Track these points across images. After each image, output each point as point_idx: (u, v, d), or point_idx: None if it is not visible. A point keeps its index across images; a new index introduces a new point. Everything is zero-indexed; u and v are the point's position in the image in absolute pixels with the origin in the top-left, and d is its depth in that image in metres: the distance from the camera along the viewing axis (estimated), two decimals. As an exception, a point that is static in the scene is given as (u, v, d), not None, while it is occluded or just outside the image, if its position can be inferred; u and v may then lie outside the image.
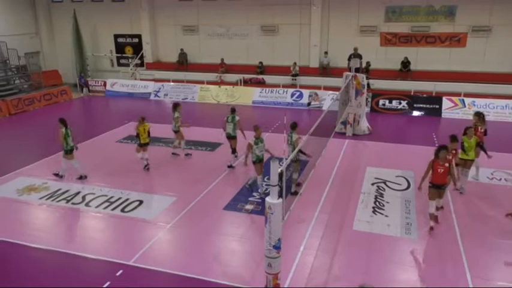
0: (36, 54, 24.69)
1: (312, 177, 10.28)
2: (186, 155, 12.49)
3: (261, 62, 21.97)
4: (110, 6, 24.00)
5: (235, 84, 21.23)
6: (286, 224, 7.49)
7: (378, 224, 8.67)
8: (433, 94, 18.35)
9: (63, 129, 10.79)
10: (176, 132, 12.47)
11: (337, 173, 11.31)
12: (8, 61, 21.78)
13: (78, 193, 10.13)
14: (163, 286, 6.86)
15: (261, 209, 9.10)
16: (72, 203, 9.67)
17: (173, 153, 12.64)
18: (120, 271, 7.14)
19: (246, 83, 21.39)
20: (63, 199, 9.87)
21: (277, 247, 6.15)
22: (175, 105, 12.58)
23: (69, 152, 10.82)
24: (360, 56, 17.09)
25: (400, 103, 18.11)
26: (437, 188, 8.32)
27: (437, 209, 8.59)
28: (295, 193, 9.68)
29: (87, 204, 9.60)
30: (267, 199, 6.09)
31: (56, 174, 11.03)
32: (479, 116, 10.43)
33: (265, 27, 21.95)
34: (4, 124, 17.25)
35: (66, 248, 7.87)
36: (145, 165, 11.52)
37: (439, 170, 8.12)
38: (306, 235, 8.23)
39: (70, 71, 24.38)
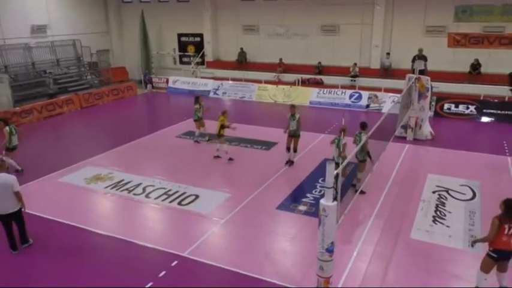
0: (106, 52, 26.23)
1: (368, 181, 10.00)
2: (230, 159, 12.17)
3: (319, 62, 21.70)
4: (175, 6, 24.89)
5: (292, 84, 21.15)
6: (340, 227, 7.33)
7: (439, 234, 8.23)
8: (506, 99, 17.06)
9: (7, 128, 11.16)
10: (196, 121, 13.60)
11: (395, 179, 10.88)
12: (81, 58, 23.32)
13: (139, 184, 10.62)
14: (215, 280, 7.01)
15: (314, 210, 9.00)
16: (134, 194, 10.16)
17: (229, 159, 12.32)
18: (175, 262, 7.39)
19: (304, 83, 21.22)
20: (126, 189, 10.40)
21: (330, 250, 6.04)
22: (197, 98, 13.69)
23: (9, 150, 11.23)
24: (424, 58, 16.31)
25: (467, 108, 17.04)
26: (501, 258, 6.13)
27: None
28: (355, 189, 9.58)
29: (147, 196, 10.04)
30: (322, 201, 6.00)
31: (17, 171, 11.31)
32: None
33: (325, 27, 21.63)
34: (76, 116, 18.52)
35: (126, 235, 8.28)
36: (228, 158, 12.04)
37: (507, 231, 5.95)
38: (360, 240, 8.01)
39: (136, 68, 25.61)
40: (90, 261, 7.55)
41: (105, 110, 19.54)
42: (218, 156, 12.24)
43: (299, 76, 21.28)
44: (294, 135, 11.58)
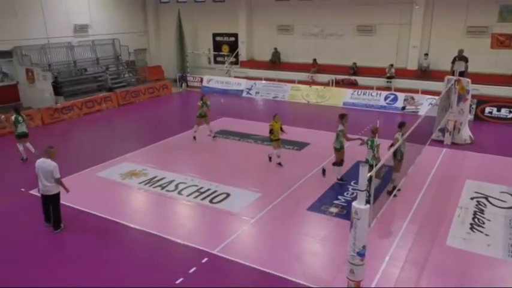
0: (143, 51, 26.91)
1: (403, 185, 9.75)
2: (276, 162, 11.84)
3: (354, 63, 21.35)
4: (211, 6, 25.19)
5: (326, 84, 20.93)
6: (373, 231, 7.19)
7: (476, 242, 7.90)
8: (553, 103, 16.18)
9: (13, 117, 12.19)
10: (198, 117, 13.94)
11: (431, 183, 10.54)
12: (120, 56, 24.05)
13: (172, 181, 10.82)
14: (243, 278, 7.04)
15: (345, 213, 8.87)
16: (167, 190, 10.36)
17: (278, 164, 11.88)
18: (205, 259, 7.48)
19: (338, 83, 20.95)
20: (159, 186, 10.62)
21: (361, 254, 5.93)
22: (202, 97, 14.17)
23: (17, 137, 12.24)
24: (465, 59, 15.71)
25: (510, 112, 16.27)
26: None
27: None
28: (390, 193, 9.35)
29: (179, 193, 10.21)
30: (354, 204, 5.91)
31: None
32: None
33: (361, 27, 21.26)
34: (114, 114, 19.11)
35: (158, 230, 8.46)
36: (278, 163, 11.62)
37: None
38: (393, 245, 7.82)
39: (171, 67, 26.10)
40: (121, 253, 7.76)
41: (141, 108, 20.03)
42: (280, 164, 11.68)
43: (333, 77, 21.03)
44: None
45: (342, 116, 10.53)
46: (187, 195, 10.05)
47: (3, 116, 13.33)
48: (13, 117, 12.27)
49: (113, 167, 11.94)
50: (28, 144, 12.38)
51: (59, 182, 8.27)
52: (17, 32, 19.42)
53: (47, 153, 8.26)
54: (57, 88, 19.32)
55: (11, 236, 8.44)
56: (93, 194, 10.28)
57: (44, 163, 8.19)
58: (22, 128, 12.25)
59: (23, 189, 10.26)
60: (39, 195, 8.71)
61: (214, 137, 14.36)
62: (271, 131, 11.47)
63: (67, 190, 8.38)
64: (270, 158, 11.92)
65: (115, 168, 11.85)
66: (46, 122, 16.96)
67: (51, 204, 8.43)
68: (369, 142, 9.35)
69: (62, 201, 8.64)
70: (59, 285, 6.86)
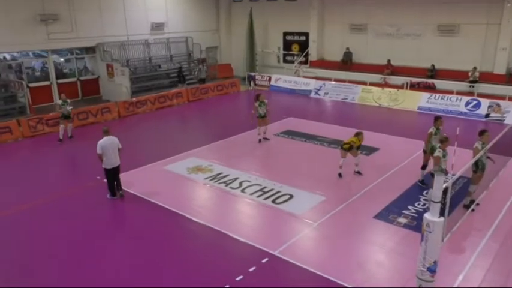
0: (214, 49, 27.75)
1: (483, 199, 9.06)
2: (357, 172, 11.26)
3: (433, 65, 20.23)
4: (282, 4, 25.26)
5: (400, 87, 20.05)
6: (446, 246, 6.75)
7: None
8: None
9: (60, 100, 14.63)
10: (258, 118, 13.86)
11: (516, 199, 9.67)
12: (192, 54, 25.02)
13: (236, 179, 11.02)
14: (303, 282, 6.96)
15: (416, 224, 8.42)
16: (230, 187, 10.57)
17: (357, 172, 11.38)
18: (266, 259, 7.51)
19: (413, 86, 19.99)
20: (223, 182, 10.87)
21: (432, 270, 5.61)
22: (257, 96, 14.05)
23: (61, 118, 14.40)
24: None
25: None
26: None
27: None
28: (467, 206, 8.77)
29: (242, 191, 10.37)
30: (426, 215, 5.61)
31: None
32: None
33: (442, 26, 20.06)
34: (183, 109, 19.90)
35: (221, 227, 8.65)
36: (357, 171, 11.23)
37: None
38: (468, 263, 7.28)
39: (241, 65, 26.62)
40: (183, 245, 8.07)
41: (209, 105, 20.65)
42: (359, 172, 11.20)
43: (408, 79, 20.11)
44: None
45: (436, 119, 10.27)
46: (251, 194, 10.17)
47: (60, 100, 14.68)
48: (59, 101, 14.73)
49: (180, 161, 12.43)
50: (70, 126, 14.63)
51: (120, 151, 9.81)
52: (101, 29, 20.97)
53: (108, 132, 9.72)
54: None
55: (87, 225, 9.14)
56: (160, 186, 10.78)
57: (110, 139, 9.63)
58: (65, 111, 14.28)
59: (98, 177, 11.03)
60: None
61: (265, 139, 14.17)
62: (350, 147, 10.89)
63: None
64: (358, 172, 11.18)
65: (182, 162, 12.33)
66: (122, 114, 18.11)
67: (116, 172, 9.86)
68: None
69: (129, 190, 10.14)
70: (119, 267, 7.29)
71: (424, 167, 10.44)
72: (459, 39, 19.79)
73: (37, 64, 20.66)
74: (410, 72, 20.72)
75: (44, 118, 15.72)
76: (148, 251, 7.90)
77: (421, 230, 5.65)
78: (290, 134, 14.95)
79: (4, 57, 18.81)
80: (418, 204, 9.47)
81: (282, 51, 26.15)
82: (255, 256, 7.61)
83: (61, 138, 14.42)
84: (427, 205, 9.27)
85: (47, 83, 20.25)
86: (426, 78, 20.15)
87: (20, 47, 18.83)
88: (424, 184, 10.31)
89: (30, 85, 19.31)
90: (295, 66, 24.42)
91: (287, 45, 25.98)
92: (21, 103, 17.45)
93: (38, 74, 20.50)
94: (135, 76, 21.50)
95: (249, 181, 10.87)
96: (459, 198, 9.16)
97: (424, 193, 9.93)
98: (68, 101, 14.59)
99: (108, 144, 9.57)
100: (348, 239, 8.19)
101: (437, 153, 8.58)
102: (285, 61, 26.05)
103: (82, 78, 21.66)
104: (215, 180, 11.04)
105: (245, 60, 26.05)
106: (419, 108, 18.49)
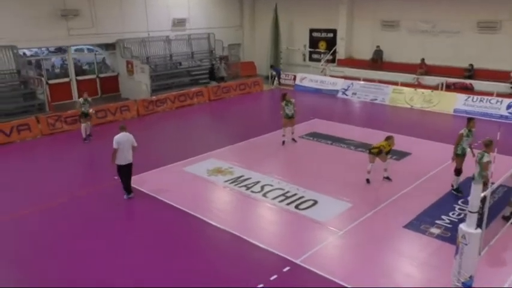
0: (237, 46, 27.85)
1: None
2: (387, 178, 11.07)
3: (471, 65, 19.73)
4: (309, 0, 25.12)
5: (434, 88, 19.64)
6: (483, 260, 6.55)
7: None
8: None
9: (81, 99, 14.89)
10: (284, 118, 13.84)
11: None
12: (213, 51, 25.20)
13: (257, 182, 11.02)
14: (327, 294, 6.90)
15: (450, 235, 8.22)
16: (252, 191, 10.57)
17: (386, 178, 11.09)
18: (287, 268, 7.47)
19: (449, 87, 19.55)
20: (244, 186, 10.89)
21: (467, 285, 5.47)
22: (284, 95, 14.03)
23: (81, 116, 14.80)
24: None
25: None
26: None
27: None
28: (508, 218, 8.50)
29: (264, 195, 10.36)
30: (462, 226, 5.47)
31: None
32: None
33: (482, 23, 19.53)
34: (204, 108, 20.07)
35: (240, 232, 8.66)
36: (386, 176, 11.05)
37: None
38: (507, 280, 7.04)
39: (264, 63, 26.63)
40: (200, 249, 8.11)
41: (231, 104, 20.75)
42: (388, 178, 11.01)
43: (443, 79, 19.68)
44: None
45: (469, 120, 10.09)
46: (273, 198, 10.15)
47: (81, 99, 14.95)
48: (81, 100, 14.90)
49: (200, 162, 12.53)
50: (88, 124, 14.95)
51: (134, 149, 10.11)
52: (121, 25, 21.35)
53: (123, 128, 10.14)
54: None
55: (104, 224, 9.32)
56: (179, 187, 10.89)
57: (125, 136, 10.01)
58: (85, 109, 14.69)
59: (116, 178, 11.22)
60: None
61: (293, 140, 14.17)
62: (379, 151, 10.71)
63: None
64: (387, 178, 11.03)
65: (202, 164, 12.42)
66: (141, 113, 18.40)
67: (129, 170, 10.15)
68: (479, 156, 8.66)
69: (147, 191, 10.49)
70: (131, 267, 7.39)
71: (458, 172, 10.17)
72: (500, 36, 19.22)
73: (57, 61, 21.24)
74: (445, 72, 20.26)
75: (62, 116, 16.15)
76: (163, 255, 7.98)
77: (455, 242, 5.51)
78: (315, 136, 14.86)
79: (24, 53, 19.40)
80: (453, 214, 9.25)
81: (308, 49, 26.02)
82: (277, 264, 7.58)
83: (84, 137, 14.81)
84: (462, 215, 9.04)
85: (66, 79, 20.79)
86: (463, 78, 19.66)
87: (41, 43, 19.39)
88: (459, 192, 10.06)
89: (49, 82, 19.85)
90: (322, 65, 24.26)
91: (313, 42, 25.83)
92: (40, 100, 17.95)
93: (57, 70, 21.08)
94: (155, 74, 21.81)
95: (271, 185, 10.85)
96: (499, 209, 8.88)
97: (459, 202, 9.68)
98: (89, 100, 14.96)
99: (124, 140, 9.94)
100: (376, 249, 8.06)
101: (487, 158, 8.40)
102: (311, 59, 25.92)
103: (101, 75, 22.13)
104: (236, 183, 11.07)
105: (269, 58, 26.04)
106: (455, 110, 18.07)
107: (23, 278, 7.44)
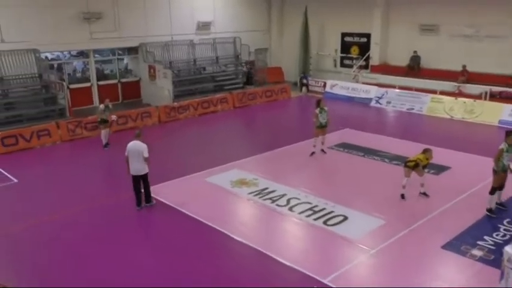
0: (264, 51, 28.04)
1: None
2: (423, 194, 10.80)
3: (518, 72, 19.26)
4: (341, 2, 25.00)
5: (477, 97, 19.22)
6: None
7: None
8: None
9: (102, 105, 15.12)
10: (317, 127, 13.76)
11: None
12: (239, 56, 25.43)
13: (283, 195, 10.98)
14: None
15: (493, 258, 7.96)
16: (277, 205, 10.54)
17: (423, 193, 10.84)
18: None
19: (494, 96, 19.09)
20: (269, 198, 10.87)
21: (513, 314, 5.26)
22: (318, 101, 14.20)
23: (99, 123, 15.00)
24: None
25: None
26: None
27: None
28: None
29: (290, 209, 10.31)
30: (507, 249, 5.28)
31: None
32: None
33: (532, 27, 19.06)
34: (228, 116, 20.22)
35: (264, 248, 8.62)
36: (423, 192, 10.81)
37: None
38: (558, 310, 6.77)
39: (292, 69, 26.67)
40: (219, 265, 8.13)
41: (257, 112, 20.84)
42: (425, 194, 10.75)
43: (487, 88, 19.24)
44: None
45: (509, 134, 9.91)
46: (299, 213, 10.09)
47: (102, 105, 15.28)
48: (102, 106, 15.19)
49: (223, 173, 12.59)
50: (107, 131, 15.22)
51: (147, 161, 9.89)
52: (144, 28, 21.86)
53: (138, 135, 10.00)
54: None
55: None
56: (200, 199, 10.96)
57: (135, 144, 9.84)
58: (103, 116, 14.96)
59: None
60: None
61: (322, 151, 14.07)
62: (416, 165, 10.52)
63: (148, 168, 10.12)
64: (424, 193, 10.78)
65: (225, 174, 12.48)
66: (162, 120, 18.71)
67: (142, 182, 10.08)
68: None
69: (167, 202, 10.54)
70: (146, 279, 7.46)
71: (501, 187, 9.86)
72: (552, 42, 18.70)
73: (78, 65, 21.89)
74: (490, 80, 19.80)
75: (83, 121, 16.60)
76: (181, 268, 8.03)
77: (500, 266, 5.33)
78: (346, 147, 14.74)
79: (46, 57, 20.08)
80: (497, 235, 8.96)
81: (339, 54, 25.95)
82: (303, 283, 7.52)
83: (105, 143, 15.11)
84: (508, 236, 8.76)
85: (87, 84, 21.38)
86: (510, 87, 19.17)
87: (63, 46, 20.03)
88: (504, 207, 9.74)
89: (71, 86, 20.46)
90: (354, 71, 24.14)
91: (345, 47, 25.74)
92: (61, 105, 18.52)
93: (78, 74, 21.71)
94: (178, 79, 22.17)
95: (298, 198, 10.79)
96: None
97: (505, 222, 9.38)
98: (110, 106, 15.34)
99: (133, 148, 9.87)
100: (411, 270, 7.89)
101: None
102: (342, 65, 25.83)
103: (123, 80, 22.64)
104: (260, 195, 11.06)
105: (298, 64, 26.06)
106: (500, 122, 17.61)
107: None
